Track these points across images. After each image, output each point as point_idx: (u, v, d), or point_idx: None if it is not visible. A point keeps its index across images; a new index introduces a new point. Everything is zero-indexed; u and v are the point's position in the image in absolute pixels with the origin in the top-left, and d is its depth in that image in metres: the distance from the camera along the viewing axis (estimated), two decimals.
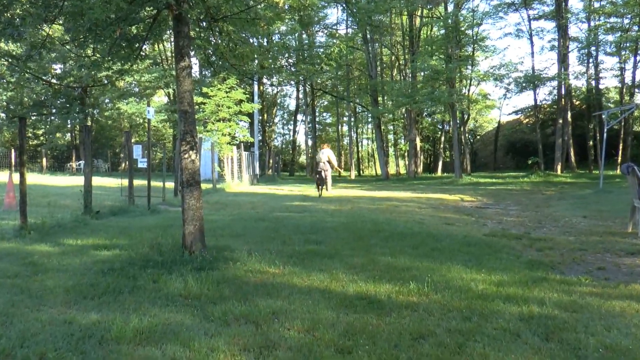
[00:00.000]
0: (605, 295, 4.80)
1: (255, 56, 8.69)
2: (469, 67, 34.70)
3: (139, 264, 5.72)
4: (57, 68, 39.71)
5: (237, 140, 26.80)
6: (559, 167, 30.70)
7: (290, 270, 5.67)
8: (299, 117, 54.89)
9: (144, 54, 7.82)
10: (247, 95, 28.51)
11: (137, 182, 13.51)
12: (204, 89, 25.34)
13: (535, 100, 36.38)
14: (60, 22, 7.06)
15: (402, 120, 44.05)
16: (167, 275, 5.29)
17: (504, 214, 12.56)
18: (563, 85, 31.84)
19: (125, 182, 13.70)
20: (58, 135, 45.19)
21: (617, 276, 5.75)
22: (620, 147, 32.77)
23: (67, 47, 11.12)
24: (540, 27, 48.68)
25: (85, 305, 4.37)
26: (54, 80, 38.01)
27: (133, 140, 41.35)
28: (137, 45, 7.30)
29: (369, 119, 51.14)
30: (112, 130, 51.34)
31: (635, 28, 30.69)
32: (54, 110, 39.39)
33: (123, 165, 40.60)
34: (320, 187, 18.23)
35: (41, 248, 6.88)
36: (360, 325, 3.92)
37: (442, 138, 46.68)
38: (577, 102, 38.66)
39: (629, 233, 8.85)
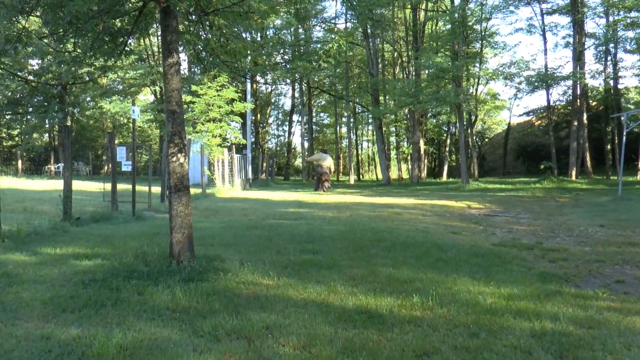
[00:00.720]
0: (625, 311, 4.80)
1: (248, 52, 8.73)
2: (477, 64, 34.79)
3: (122, 274, 5.72)
4: (34, 64, 39.69)
5: (228, 142, 26.81)
6: (573, 173, 30.78)
7: (285, 282, 5.67)
8: (295, 117, 55.04)
9: (128, 49, 7.83)
10: (239, 94, 28.56)
11: (120, 186, 13.50)
12: (193, 87, 25.38)
13: (549, 100, 36.51)
14: (38, 14, 7.05)
15: (405, 122, 44.17)
16: (153, 286, 5.28)
17: (515, 222, 12.57)
18: (578, 85, 31.97)
19: (108, 186, 13.68)
20: (35, 135, 45.08)
21: (638, 290, 5.75)
22: None
23: (45, 41, 11.14)
24: (554, 22, 49.20)
25: (64, 319, 4.36)
26: (30, 77, 37.97)
27: (117, 141, 41.27)
28: (121, 39, 7.31)
29: (370, 120, 51.24)
30: (94, 131, 51.30)
31: None
32: (30, 109, 39.31)
33: (106, 168, 40.51)
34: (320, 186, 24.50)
35: (16, 257, 6.86)
36: (360, 341, 3.92)
37: (448, 141, 46.79)
38: (594, 103, 38.81)
39: None
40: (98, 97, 42.27)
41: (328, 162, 26.03)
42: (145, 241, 7.87)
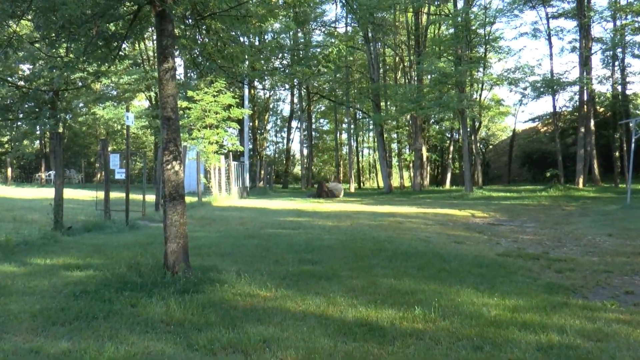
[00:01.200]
0: (634, 323, 4.79)
1: (246, 57, 8.75)
2: (481, 69, 34.84)
3: (115, 286, 5.70)
4: (25, 69, 39.79)
5: (225, 149, 26.82)
6: (580, 181, 30.78)
7: (283, 294, 5.66)
8: (294, 123, 55.09)
9: (122, 53, 7.85)
10: (237, 100, 28.61)
11: (114, 194, 13.50)
12: (189, 93, 25.45)
13: (555, 106, 36.56)
14: (29, 17, 7.07)
15: (407, 128, 44.17)
16: (147, 298, 5.27)
17: (520, 231, 12.57)
18: (585, 91, 32.02)
19: (101, 194, 13.68)
20: (25, 142, 45.11)
21: None
22: None
23: (37, 45, 11.15)
24: (560, 26, 49.07)
25: (54, 332, 4.35)
26: (21, 82, 38.02)
27: (110, 148, 41.17)
28: (115, 44, 7.33)
29: (371, 127, 51.29)
30: (87, 138, 51.33)
31: None
32: (21, 115, 39.29)
33: (98, 176, 40.55)
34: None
35: (5, 268, 6.85)
36: (360, 355, 3.91)
37: (451, 148, 46.81)
38: (601, 109, 38.83)
39: None
40: (91, 103, 42.33)
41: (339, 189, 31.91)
42: (138, 251, 7.86)
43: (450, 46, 33.12)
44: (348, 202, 24.42)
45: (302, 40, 43.86)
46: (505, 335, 4.34)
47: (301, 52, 40.74)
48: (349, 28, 44.52)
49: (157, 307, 4.99)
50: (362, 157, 63.68)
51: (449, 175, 44.34)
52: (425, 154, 40.08)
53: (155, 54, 7.59)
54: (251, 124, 46.93)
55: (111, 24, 7.05)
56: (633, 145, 19.98)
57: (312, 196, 29.49)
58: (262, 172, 41.16)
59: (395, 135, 48.61)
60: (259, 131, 53.72)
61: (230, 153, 27.40)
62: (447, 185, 42.08)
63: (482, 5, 34.04)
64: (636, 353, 4.00)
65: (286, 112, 59.04)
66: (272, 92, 55.69)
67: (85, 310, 4.89)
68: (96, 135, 48.80)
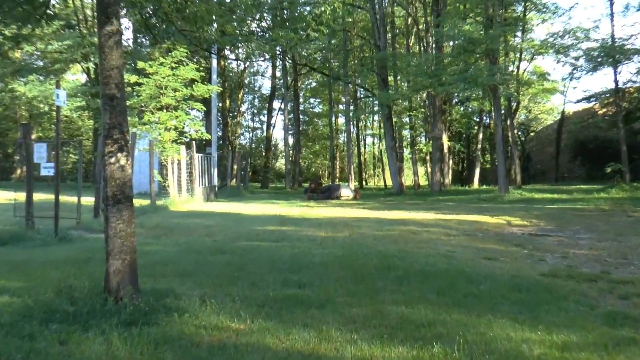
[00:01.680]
0: None
1: (214, 18, 8.72)
2: (519, 34, 34.90)
3: (39, 316, 5.66)
4: None
5: (186, 136, 26.78)
6: None
7: (261, 326, 5.64)
8: (276, 104, 55.28)
9: (51, 12, 7.81)
10: (202, 74, 28.55)
11: (39, 196, 13.44)
12: (140, 64, 25.35)
13: (617, 82, 36.52)
14: None
15: (423, 110, 44.29)
16: (82, 333, 5.23)
17: (571, 244, 12.59)
18: None
19: (22, 196, 13.62)
20: None
21: None
22: None
23: None
24: None
25: None
26: None
27: (34, 136, 41.15)
28: (41, 0, 7.29)
29: (376, 108, 51.38)
30: (3, 122, 51.17)
31: None
32: None
33: (18, 172, 40.46)
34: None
35: None
36: None
37: (480, 135, 46.96)
38: None
39: None
40: (8, 76, 42.10)
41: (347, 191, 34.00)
42: (71, 271, 7.83)
43: (478, 4, 33.13)
44: (346, 207, 24.44)
45: None
46: None
47: (285, 12, 40.69)
48: None
49: (94, 345, 4.96)
50: (365, 148, 63.85)
51: (477, 172, 44.50)
52: (446, 143, 40.19)
53: (95, 14, 7.53)
54: (221, 104, 46.92)
55: None
56: None
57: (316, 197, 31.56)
58: (235, 167, 41.17)
59: (407, 120, 48.72)
60: (230, 114, 53.80)
61: (194, 142, 27.37)
62: (475, 185, 42.26)
63: None
64: None
65: (266, 89, 59.28)
66: (248, 63, 55.71)
67: None
68: (15, 119, 48.63)
